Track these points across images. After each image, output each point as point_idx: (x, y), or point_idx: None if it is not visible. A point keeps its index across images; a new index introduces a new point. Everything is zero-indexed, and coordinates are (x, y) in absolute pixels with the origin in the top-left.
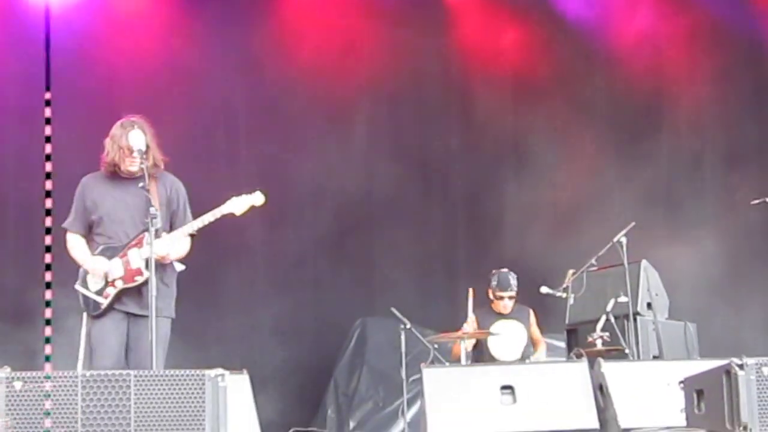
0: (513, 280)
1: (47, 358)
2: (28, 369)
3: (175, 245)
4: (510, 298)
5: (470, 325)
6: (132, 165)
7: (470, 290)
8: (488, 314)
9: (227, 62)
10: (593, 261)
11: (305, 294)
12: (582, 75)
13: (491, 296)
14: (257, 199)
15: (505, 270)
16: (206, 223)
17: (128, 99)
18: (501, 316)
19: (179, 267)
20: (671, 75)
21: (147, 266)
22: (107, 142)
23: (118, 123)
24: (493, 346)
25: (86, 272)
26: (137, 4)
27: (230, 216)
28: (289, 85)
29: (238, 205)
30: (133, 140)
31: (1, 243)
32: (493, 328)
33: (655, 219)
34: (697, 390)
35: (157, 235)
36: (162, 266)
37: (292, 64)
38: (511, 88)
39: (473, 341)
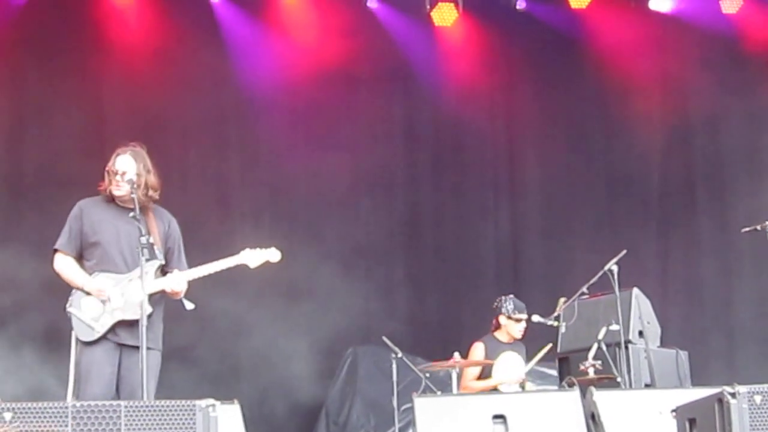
0: (523, 304)
1: None
2: None
3: (184, 281)
4: (526, 321)
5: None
6: (118, 189)
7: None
8: (494, 343)
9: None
10: (585, 289)
11: (297, 322)
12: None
13: (505, 321)
14: (273, 255)
15: (512, 295)
16: (219, 269)
17: None
18: (506, 346)
19: (189, 306)
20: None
21: (149, 300)
22: (107, 167)
23: (114, 153)
24: (497, 376)
25: (81, 295)
26: None
27: (243, 267)
28: None
29: (253, 258)
30: (120, 164)
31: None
32: (499, 359)
33: (647, 246)
34: (689, 418)
35: (157, 272)
36: (158, 302)
37: None
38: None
39: (478, 371)
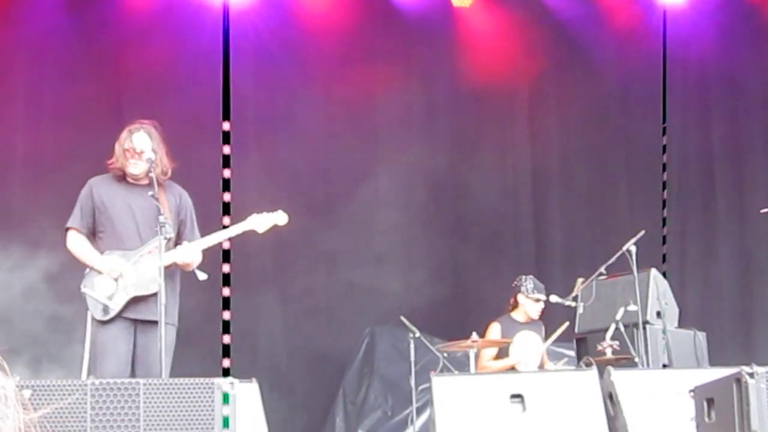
0: (542, 285)
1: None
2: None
3: (196, 252)
4: (545, 301)
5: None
6: (135, 168)
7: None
8: (510, 323)
9: None
10: (603, 270)
11: (314, 302)
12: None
13: (523, 300)
14: (280, 218)
15: (532, 276)
16: (227, 237)
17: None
18: (523, 326)
19: (202, 276)
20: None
21: (160, 274)
22: (116, 146)
23: (126, 128)
24: (515, 355)
25: (94, 275)
26: None
27: (252, 233)
28: None
29: (260, 222)
30: (136, 142)
31: None
32: (516, 338)
33: (666, 227)
34: (707, 398)
35: (169, 245)
36: (171, 276)
37: None
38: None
39: (495, 351)
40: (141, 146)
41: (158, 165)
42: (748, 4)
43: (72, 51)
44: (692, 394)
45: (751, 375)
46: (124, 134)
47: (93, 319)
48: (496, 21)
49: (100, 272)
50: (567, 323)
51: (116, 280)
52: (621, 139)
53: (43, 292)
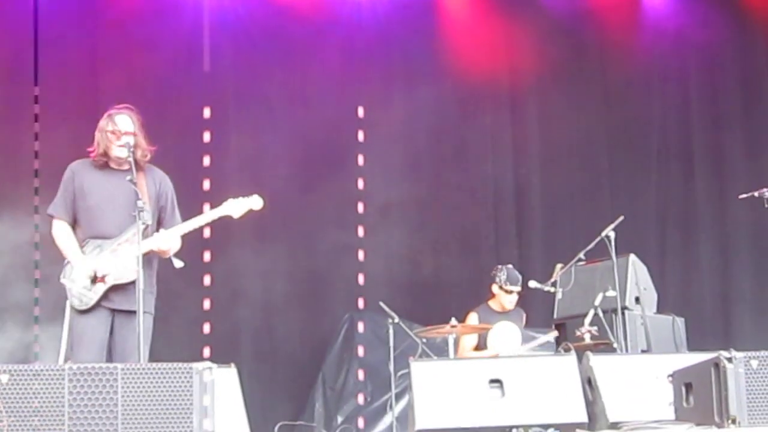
0: (519, 276)
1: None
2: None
3: (173, 239)
4: (518, 293)
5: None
6: (121, 151)
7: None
8: (488, 313)
9: None
10: (581, 255)
11: (293, 287)
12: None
13: (497, 290)
14: (255, 203)
15: (510, 266)
16: (204, 223)
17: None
18: (501, 315)
19: (178, 264)
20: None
21: (138, 263)
22: (96, 134)
23: (105, 114)
24: (493, 346)
25: (73, 266)
26: None
27: (228, 218)
28: None
29: (236, 207)
30: (120, 124)
31: None
32: (494, 328)
33: (646, 213)
34: (685, 383)
35: (147, 232)
36: (149, 263)
37: None
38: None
39: (474, 342)
40: (125, 127)
41: (139, 147)
42: None
43: (51, 39)
44: (671, 378)
45: (730, 360)
46: (105, 119)
47: (71, 307)
48: (479, 12)
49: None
50: (556, 334)
51: (95, 277)
52: (601, 125)
53: None
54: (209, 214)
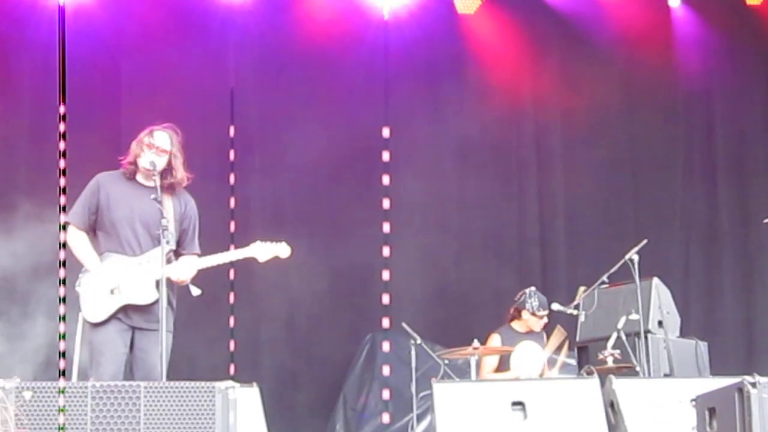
0: (546, 299)
1: None
2: None
3: (192, 271)
4: (547, 317)
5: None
6: (149, 162)
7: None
8: (510, 334)
9: None
10: (605, 278)
11: (316, 308)
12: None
13: (528, 316)
14: (283, 250)
15: (533, 288)
16: (227, 261)
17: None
18: (523, 336)
19: (196, 292)
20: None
21: (157, 286)
22: (132, 144)
23: (148, 128)
24: (516, 366)
25: (90, 275)
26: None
27: (253, 261)
28: None
29: (263, 251)
30: (158, 140)
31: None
32: (517, 349)
33: (670, 236)
34: (709, 408)
35: (169, 255)
36: (167, 285)
37: None
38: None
39: (495, 363)
40: (162, 144)
41: (171, 170)
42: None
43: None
44: (694, 403)
45: (754, 385)
46: (145, 132)
47: (85, 320)
48: (501, 27)
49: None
50: (566, 335)
51: (111, 291)
52: (626, 147)
53: None
54: (234, 253)
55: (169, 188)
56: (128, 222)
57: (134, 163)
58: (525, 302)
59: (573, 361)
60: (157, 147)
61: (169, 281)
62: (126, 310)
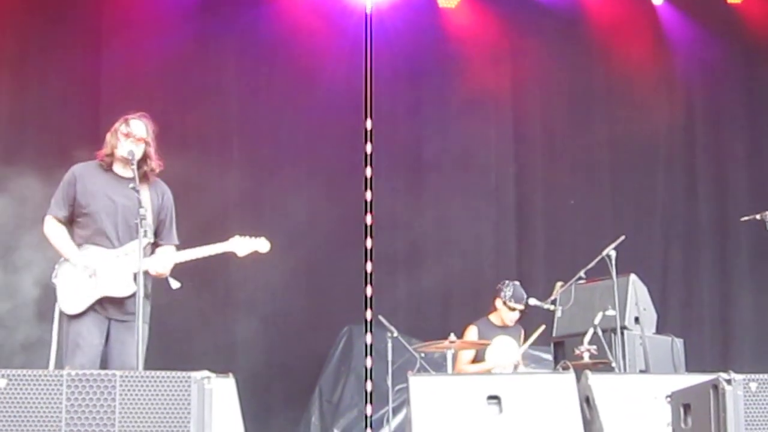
0: (524, 294)
1: None
2: None
3: (170, 264)
4: (521, 311)
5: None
6: (127, 151)
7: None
8: (488, 327)
9: None
10: (582, 274)
11: (293, 300)
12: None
13: (500, 305)
14: (262, 245)
15: (517, 282)
16: (206, 255)
17: None
18: (500, 330)
19: (175, 285)
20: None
21: (135, 279)
22: (107, 135)
23: (121, 118)
24: (491, 359)
25: (67, 267)
26: None
27: (231, 254)
28: None
29: (242, 246)
30: (134, 127)
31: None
32: (493, 342)
33: (648, 232)
34: (684, 404)
35: (147, 247)
36: (145, 278)
37: None
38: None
39: (472, 354)
40: (138, 132)
41: (148, 157)
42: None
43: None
44: (669, 399)
45: (729, 382)
46: (120, 121)
47: (61, 312)
48: (483, 21)
49: (74, 265)
50: (543, 326)
51: (90, 276)
52: (606, 142)
53: None
54: (213, 248)
55: (145, 177)
56: (106, 213)
57: (111, 155)
58: (501, 291)
59: (549, 356)
60: (135, 135)
61: (146, 273)
62: (102, 301)
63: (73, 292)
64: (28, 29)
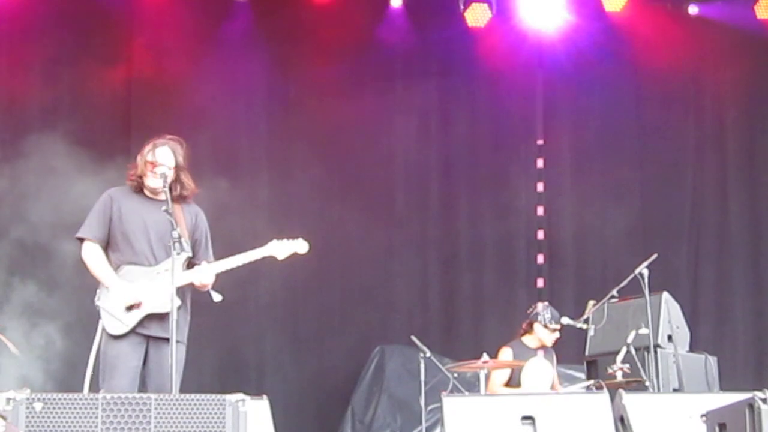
0: (558, 313)
1: None
2: None
3: (213, 274)
4: (559, 331)
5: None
6: (154, 181)
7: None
8: (521, 349)
9: None
10: (614, 292)
11: (325, 321)
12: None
13: (540, 329)
14: (301, 246)
15: (547, 303)
16: (246, 262)
17: None
18: (533, 352)
19: (217, 297)
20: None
21: (176, 293)
22: (137, 157)
23: (150, 142)
24: (526, 382)
25: (107, 289)
26: None
27: (271, 259)
28: None
29: (281, 249)
30: (159, 156)
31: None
32: (528, 365)
33: (680, 250)
34: (719, 423)
35: (189, 264)
36: (183, 295)
37: None
38: None
39: (505, 377)
40: (162, 160)
41: (179, 182)
42: None
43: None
44: (704, 418)
45: (764, 400)
46: (148, 147)
47: (105, 332)
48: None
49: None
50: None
51: (130, 308)
52: (635, 160)
53: None
54: (253, 253)
55: (179, 199)
56: (142, 233)
57: (140, 179)
58: (537, 315)
59: (582, 375)
60: (161, 164)
61: (189, 289)
62: (143, 319)
63: (118, 313)
64: (60, 40)
